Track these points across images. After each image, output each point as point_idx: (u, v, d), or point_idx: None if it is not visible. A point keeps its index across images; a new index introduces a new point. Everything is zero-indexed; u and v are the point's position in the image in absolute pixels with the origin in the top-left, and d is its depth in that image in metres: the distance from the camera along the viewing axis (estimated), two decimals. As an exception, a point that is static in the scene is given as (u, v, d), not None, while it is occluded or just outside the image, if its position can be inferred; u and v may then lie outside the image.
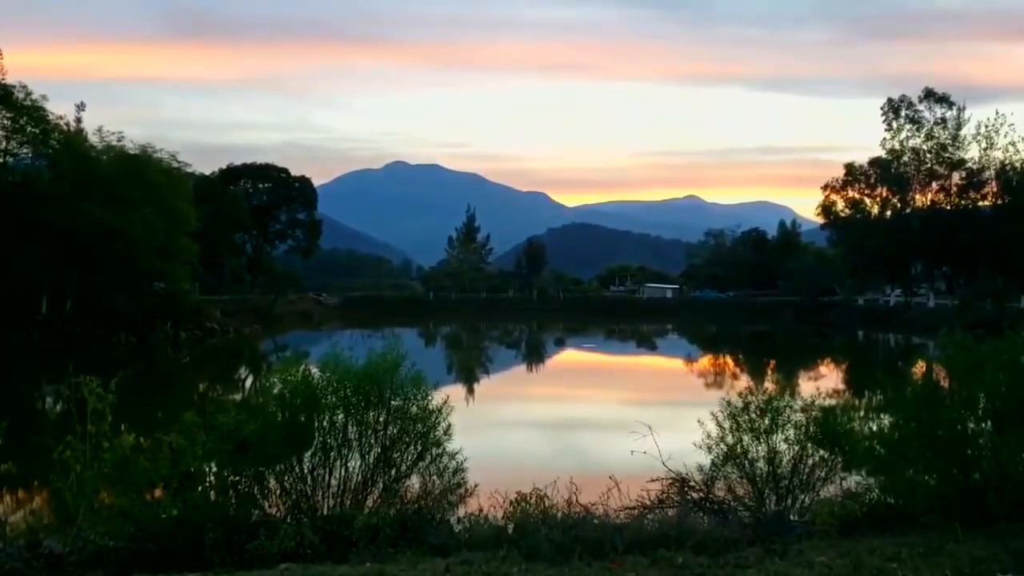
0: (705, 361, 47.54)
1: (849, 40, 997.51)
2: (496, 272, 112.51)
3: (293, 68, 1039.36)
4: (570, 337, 68.82)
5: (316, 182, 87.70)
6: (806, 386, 35.97)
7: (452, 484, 7.61)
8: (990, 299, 53.94)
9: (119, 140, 50.46)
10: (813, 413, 8.60)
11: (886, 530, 6.50)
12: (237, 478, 6.92)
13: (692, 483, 7.90)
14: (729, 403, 8.57)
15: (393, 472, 7.57)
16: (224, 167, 79.90)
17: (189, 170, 59.78)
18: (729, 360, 48.30)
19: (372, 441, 7.53)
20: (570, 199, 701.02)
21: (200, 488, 6.57)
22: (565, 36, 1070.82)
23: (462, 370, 43.25)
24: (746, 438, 8.44)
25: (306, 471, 7.22)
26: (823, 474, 8.52)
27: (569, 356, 53.59)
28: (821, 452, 8.48)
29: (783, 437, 8.48)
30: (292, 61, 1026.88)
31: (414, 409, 7.80)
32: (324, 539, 6.06)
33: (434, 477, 7.60)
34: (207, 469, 6.70)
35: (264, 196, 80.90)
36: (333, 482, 7.33)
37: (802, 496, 8.39)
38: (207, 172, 76.16)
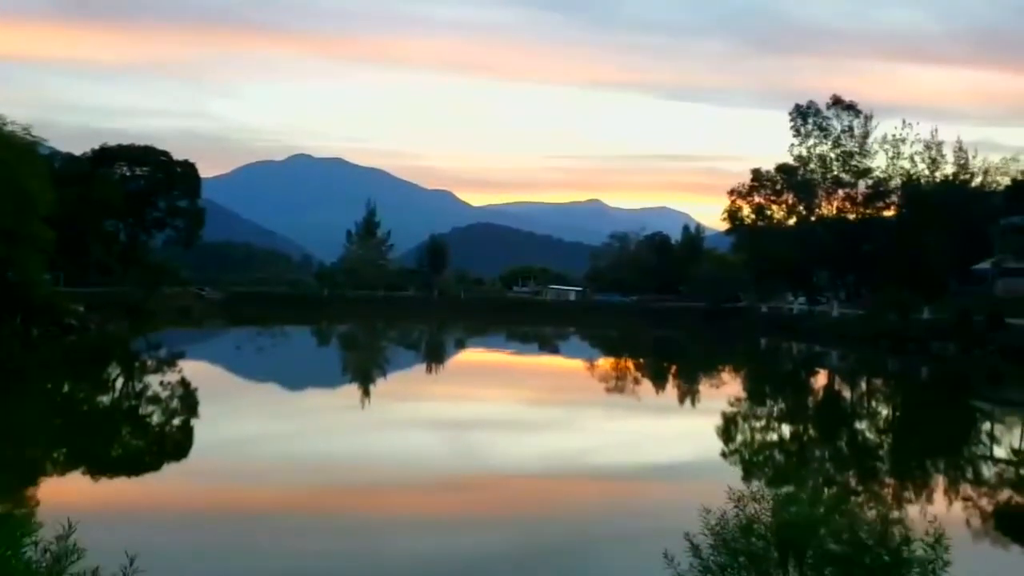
0: (611, 370, 44.96)
1: (748, 53, 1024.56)
2: (396, 270, 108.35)
3: (189, 54, 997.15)
4: (471, 338, 66.00)
5: (214, 172, 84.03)
6: (710, 392, 34.20)
7: None
8: (895, 310, 53.03)
9: (-37, 112, 44.69)
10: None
11: None
12: None
13: None
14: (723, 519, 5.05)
15: None
16: (96, 148, 73.55)
17: (62, 150, 54.21)
18: (633, 368, 46.01)
19: None
20: (475, 199, 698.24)
21: None
22: (472, 36, 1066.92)
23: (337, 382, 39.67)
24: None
25: None
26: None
27: (468, 362, 50.28)
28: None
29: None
30: (187, 47, 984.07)
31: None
32: None
33: None
34: None
35: (142, 181, 74.77)
36: None
37: None
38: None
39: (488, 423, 24.39)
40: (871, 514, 5.28)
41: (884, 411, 32.04)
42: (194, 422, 23.90)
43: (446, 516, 14.10)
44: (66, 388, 32.08)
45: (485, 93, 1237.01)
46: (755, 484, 15.54)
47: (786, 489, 6.06)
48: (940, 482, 18.32)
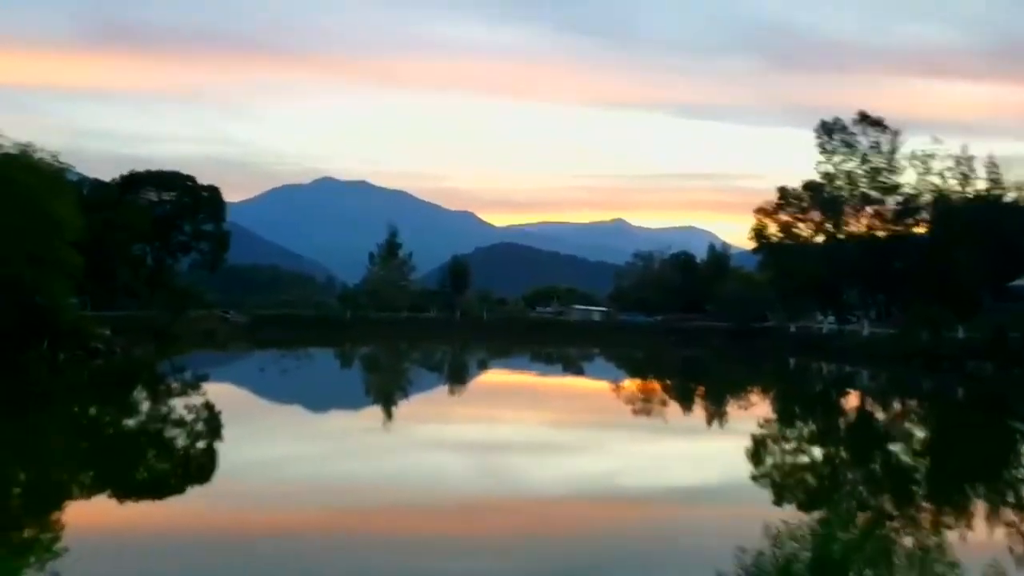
0: (637, 391, 44.45)
1: (769, 71, 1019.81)
2: (419, 291, 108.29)
3: (214, 80, 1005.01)
4: (494, 359, 65.70)
5: (241, 197, 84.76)
6: (738, 414, 33.35)
7: None
8: (927, 328, 52.10)
9: (-5, 140, 45.06)
10: None
11: None
12: None
13: None
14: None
15: None
16: (124, 174, 74.42)
17: (89, 175, 54.69)
18: (659, 389, 45.46)
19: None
20: (498, 219, 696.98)
21: None
22: (492, 58, 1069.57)
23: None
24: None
25: None
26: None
27: (492, 384, 49.96)
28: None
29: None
30: (212, 73, 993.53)
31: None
32: None
33: None
34: None
35: (168, 206, 75.60)
36: None
37: None
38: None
39: (513, 445, 24.08)
40: (908, 542, 4.90)
41: (919, 433, 31.27)
42: (217, 445, 23.83)
43: (469, 539, 13.89)
44: (92, 411, 32.15)
45: (506, 114, 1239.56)
46: (787, 509, 15.10)
47: (820, 517, 5.68)
48: (981, 508, 17.69)
